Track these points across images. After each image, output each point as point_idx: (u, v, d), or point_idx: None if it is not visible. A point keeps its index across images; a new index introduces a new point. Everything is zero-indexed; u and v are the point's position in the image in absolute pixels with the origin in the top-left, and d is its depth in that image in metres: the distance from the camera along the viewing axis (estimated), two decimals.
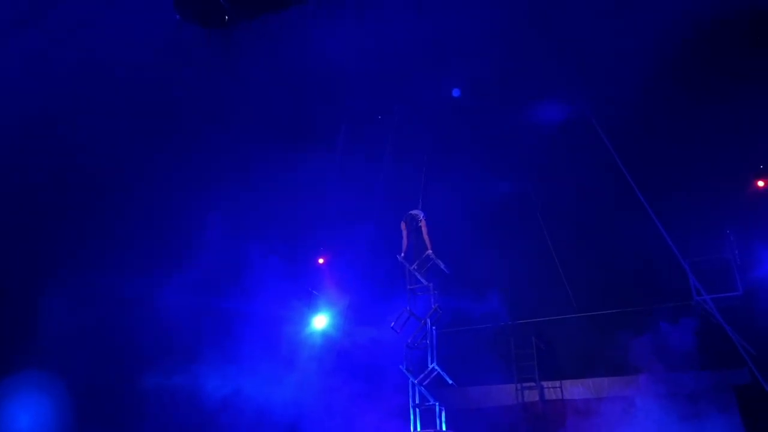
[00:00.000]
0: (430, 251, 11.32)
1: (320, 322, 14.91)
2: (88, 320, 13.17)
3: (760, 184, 13.37)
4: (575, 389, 14.16)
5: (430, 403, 10.24)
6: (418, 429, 10.19)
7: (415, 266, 11.40)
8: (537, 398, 14.27)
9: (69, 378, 12.94)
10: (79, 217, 13.58)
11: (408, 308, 11.16)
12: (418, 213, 11.68)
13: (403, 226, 11.56)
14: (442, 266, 11.27)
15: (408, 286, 11.45)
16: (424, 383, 10.40)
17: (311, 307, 14.98)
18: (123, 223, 13.75)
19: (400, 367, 10.70)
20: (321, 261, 15.71)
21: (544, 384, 14.39)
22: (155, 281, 13.33)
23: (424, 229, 11.41)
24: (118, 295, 13.15)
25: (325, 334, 14.86)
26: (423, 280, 11.32)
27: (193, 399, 13.22)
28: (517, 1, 12.51)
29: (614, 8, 12.18)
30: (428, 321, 10.82)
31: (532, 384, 14.42)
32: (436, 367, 10.32)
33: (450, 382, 10.29)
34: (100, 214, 13.73)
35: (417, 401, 10.38)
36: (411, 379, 10.49)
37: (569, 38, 12.77)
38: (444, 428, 10.06)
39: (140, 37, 11.67)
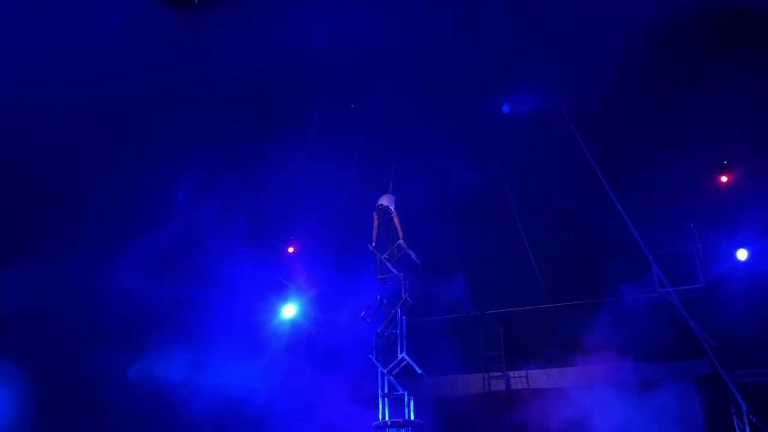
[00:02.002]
0: (401, 241, 11.31)
1: (289, 311, 14.80)
2: (46, 304, 12.79)
3: (723, 179, 13.65)
4: (540, 378, 14.38)
5: (399, 393, 10.24)
6: (387, 418, 10.17)
7: (386, 256, 11.38)
8: (503, 387, 14.45)
9: (23, 363, 12.60)
10: (28, 197, 13.12)
11: (378, 297, 11.13)
12: (389, 205, 11.59)
13: (375, 216, 11.48)
14: (413, 256, 11.27)
15: (378, 276, 11.42)
16: (393, 373, 10.39)
17: (280, 296, 14.84)
18: (82, 204, 13.37)
19: (370, 356, 10.67)
20: (291, 250, 15.57)
21: (510, 374, 14.58)
22: (118, 265, 13.00)
23: (396, 219, 11.38)
24: (75, 279, 12.77)
25: (294, 324, 14.76)
26: (394, 270, 11.30)
27: (153, 386, 13.04)
28: None
29: (585, 1, 12.28)
30: (398, 310, 10.80)
31: (499, 374, 14.59)
32: (406, 357, 10.32)
33: (419, 371, 10.30)
34: (51, 194, 13.31)
35: (386, 391, 10.37)
36: (380, 368, 10.47)
37: (540, 30, 12.83)
38: (412, 417, 10.08)
39: (104, 14, 11.32)
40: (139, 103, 12.97)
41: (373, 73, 13.43)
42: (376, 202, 11.76)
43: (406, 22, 12.61)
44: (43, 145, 12.52)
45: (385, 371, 10.40)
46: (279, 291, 14.86)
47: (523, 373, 14.51)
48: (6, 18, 10.97)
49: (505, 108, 13.81)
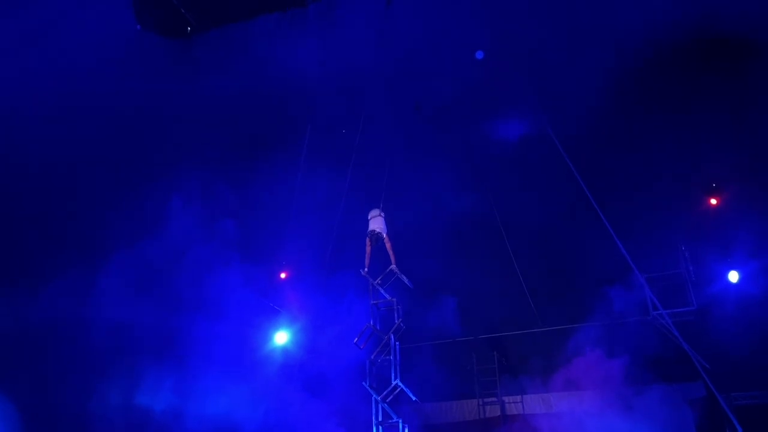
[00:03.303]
0: (393, 266, 11.25)
1: (281, 337, 14.68)
2: (30, 331, 12.66)
3: (713, 202, 13.77)
4: (536, 404, 14.26)
5: (394, 420, 10.11)
6: None
7: (378, 281, 11.30)
8: (498, 413, 14.32)
9: (7, 391, 12.44)
10: (10, 220, 13.07)
11: (371, 323, 11.05)
12: (381, 231, 11.55)
13: (367, 241, 11.45)
14: (406, 281, 11.19)
15: (371, 301, 11.32)
16: (387, 400, 10.27)
17: (272, 322, 14.72)
18: (67, 229, 13.33)
19: (364, 384, 10.54)
20: (283, 276, 15.48)
21: (506, 399, 14.47)
22: (104, 290, 12.89)
23: (388, 244, 11.35)
24: (60, 304, 12.65)
25: (286, 350, 14.63)
26: (386, 295, 11.21)
27: (140, 414, 12.84)
28: (478, 19, 12.71)
29: (575, 30, 12.49)
30: (392, 336, 10.71)
31: (494, 399, 14.47)
32: (400, 384, 10.20)
33: (414, 398, 10.19)
34: (35, 218, 13.26)
35: (380, 418, 10.24)
36: (374, 396, 10.35)
37: (531, 56, 13.01)
38: None
39: (100, 45, 11.43)
40: (130, 131, 13.03)
41: (364, 96, 13.54)
42: (368, 225, 11.73)
43: (395, 51, 12.78)
44: (30, 170, 12.53)
45: (379, 399, 10.28)
46: (271, 317, 14.74)
47: (518, 398, 14.41)
48: (6, 46, 11.08)
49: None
